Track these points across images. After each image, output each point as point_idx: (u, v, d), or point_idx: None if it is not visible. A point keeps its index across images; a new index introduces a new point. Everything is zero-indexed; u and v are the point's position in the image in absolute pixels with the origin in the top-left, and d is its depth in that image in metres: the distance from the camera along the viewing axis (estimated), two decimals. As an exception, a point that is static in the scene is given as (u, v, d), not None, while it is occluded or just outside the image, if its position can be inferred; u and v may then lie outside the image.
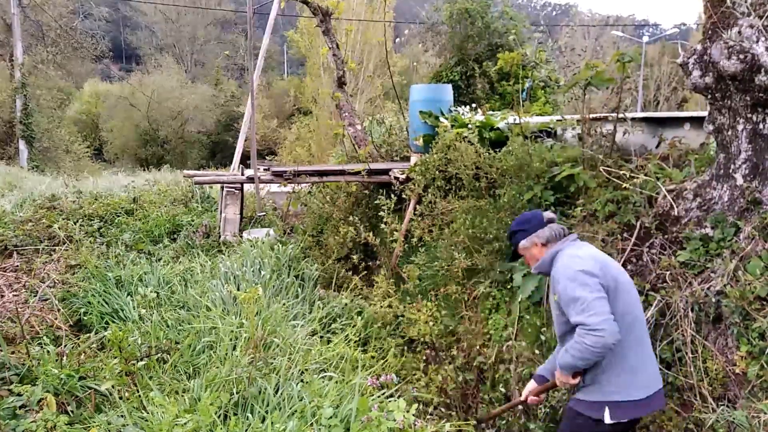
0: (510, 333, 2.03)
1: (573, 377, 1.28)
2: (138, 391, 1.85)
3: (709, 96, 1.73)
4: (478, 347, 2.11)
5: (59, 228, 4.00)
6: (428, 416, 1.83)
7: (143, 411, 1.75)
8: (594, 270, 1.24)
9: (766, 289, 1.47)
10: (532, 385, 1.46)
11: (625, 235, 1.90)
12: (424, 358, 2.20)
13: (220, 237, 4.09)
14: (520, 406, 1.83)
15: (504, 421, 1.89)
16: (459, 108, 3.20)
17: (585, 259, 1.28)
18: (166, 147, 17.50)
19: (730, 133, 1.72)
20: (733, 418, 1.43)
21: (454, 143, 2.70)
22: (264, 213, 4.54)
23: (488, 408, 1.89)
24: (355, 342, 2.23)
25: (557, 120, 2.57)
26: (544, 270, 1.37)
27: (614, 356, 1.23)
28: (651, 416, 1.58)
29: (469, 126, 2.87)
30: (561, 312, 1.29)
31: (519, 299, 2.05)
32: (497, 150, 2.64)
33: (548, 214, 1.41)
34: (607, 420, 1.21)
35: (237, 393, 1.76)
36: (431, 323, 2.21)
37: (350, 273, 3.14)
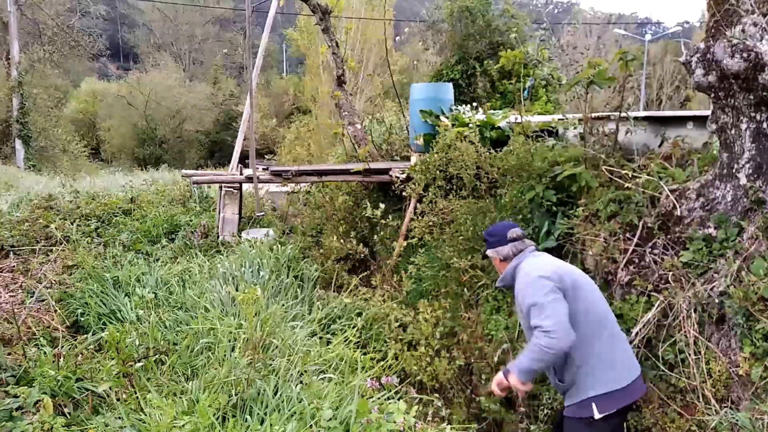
0: (511, 334, 2.02)
1: (525, 383, 1.31)
2: (135, 393, 1.84)
3: (713, 95, 1.71)
4: (479, 348, 2.10)
5: (56, 228, 3.98)
6: (429, 418, 1.82)
7: (141, 413, 1.74)
8: (549, 274, 1.32)
9: (769, 290, 1.47)
10: (500, 376, 1.46)
11: (627, 235, 1.89)
12: (427, 359, 2.18)
13: (218, 237, 4.07)
14: (521, 407, 1.83)
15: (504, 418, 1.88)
16: (460, 107, 3.18)
17: (541, 265, 1.38)
18: (164, 146, 17.44)
19: (733, 132, 1.70)
20: (737, 420, 1.43)
21: (455, 142, 2.69)
22: (263, 213, 4.51)
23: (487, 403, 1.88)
24: (354, 343, 2.22)
25: (559, 119, 2.56)
26: (507, 284, 1.47)
27: (587, 354, 1.29)
28: (654, 418, 1.57)
29: (470, 125, 2.85)
30: (525, 319, 1.35)
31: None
32: (498, 149, 2.63)
33: (514, 232, 1.49)
34: (597, 415, 1.25)
35: (235, 395, 1.75)
36: (432, 325, 2.19)
37: (350, 273, 3.12)
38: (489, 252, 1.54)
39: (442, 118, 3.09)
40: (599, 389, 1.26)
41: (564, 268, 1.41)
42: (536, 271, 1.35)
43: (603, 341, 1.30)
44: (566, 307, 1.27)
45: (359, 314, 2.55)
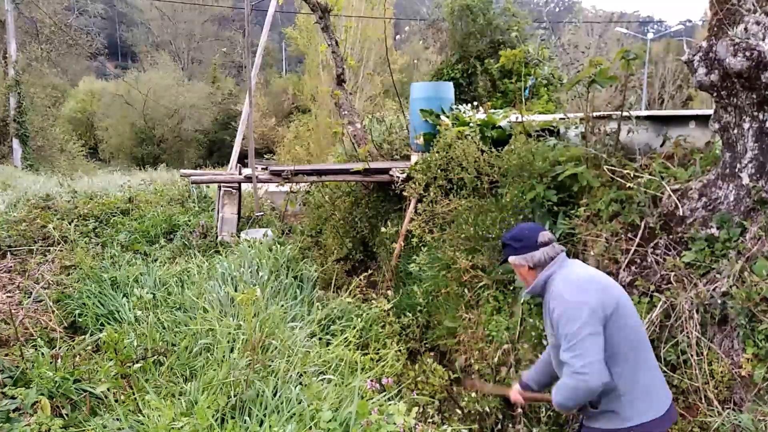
0: (512, 335, 2.01)
1: (569, 411, 1.27)
2: (134, 394, 1.83)
3: (715, 94, 1.71)
4: (479, 349, 2.09)
5: (54, 228, 3.96)
6: (429, 419, 1.81)
7: (139, 414, 1.73)
8: (588, 299, 1.17)
9: (772, 291, 1.46)
10: (517, 388, 1.44)
11: (629, 235, 1.88)
12: (428, 361, 2.17)
13: (217, 237, 4.05)
14: (519, 409, 1.82)
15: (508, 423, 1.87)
16: (460, 106, 3.16)
17: (579, 285, 1.21)
18: (162, 146, 17.39)
19: (736, 131, 1.70)
20: (739, 422, 1.42)
21: (456, 142, 2.67)
22: (262, 213, 4.50)
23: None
24: (354, 344, 2.21)
25: (560, 118, 2.55)
26: (537, 293, 1.32)
27: (631, 382, 1.19)
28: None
29: (471, 124, 2.83)
30: (555, 338, 1.23)
31: (521, 301, 2.02)
32: (499, 149, 2.62)
33: (545, 236, 1.31)
34: None
35: (234, 396, 1.74)
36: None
37: (349, 274, 3.11)
38: (513, 259, 1.32)
39: (442, 117, 3.08)
40: (638, 419, 1.17)
41: (604, 285, 1.23)
42: (573, 293, 1.18)
43: (645, 368, 1.21)
44: (601, 342, 1.13)
45: (359, 315, 2.53)
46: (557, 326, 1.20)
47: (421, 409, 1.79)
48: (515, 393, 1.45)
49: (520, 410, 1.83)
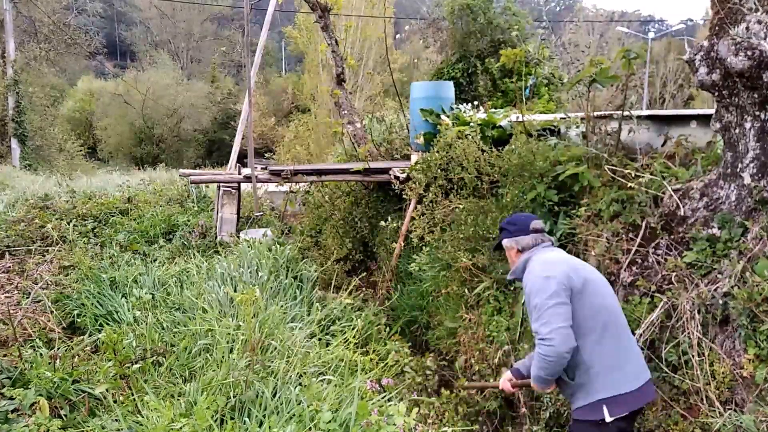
0: (512, 335, 2.00)
1: (548, 387, 1.32)
2: (133, 395, 1.83)
3: (716, 93, 1.70)
4: (480, 349, 2.08)
5: (52, 228, 3.95)
6: (429, 421, 1.80)
7: (138, 415, 1.72)
8: (556, 274, 1.26)
9: (774, 291, 1.45)
10: (508, 375, 1.49)
11: (630, 235, 1.87)
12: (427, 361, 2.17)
13: (216, 237, 4.04)
14: (523, 408, 1.81)
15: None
16: (461, 105, 3.15)
17: (550, 263, 1.31)
18: (161, 145, 17.35)
19: (737, 131, 1.69)
20: (741, 423, 1.42)
21: (456, 141, 2.66)
22: (261, 213, 4.49)
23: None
24: (354, 345, 2.20)
25: (561, 118, 2.54)
26: (518, 276, 1.41)
27: (598, 354, 1.25)
28: (657, 420, 1.56)
29: (471, 124, 2.83)
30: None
31: (522, 301, 2.01)
32: (500, 148, 2.61)
33: (537, 223, 1.42)
34: (608, 418, 1.22)
35: (234, 397, 1.73)
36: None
37: (349, 274, 3.10)
38: (506, 242, 1.44)
39: (442, 116, 3.07)
40: (610, 391, 1.22)
41: (574, 264, 1.33)
42: (543, 269, 1.29)
43: (615, 341, 1.26)
44: (568, 311, 1.21)
45: (359, 316, 2.53)
46: (528, 300, 1.30)
47: (421, 410, 1.78)
48: (504, 381, 1.50)
49: (523, 410, 1.83)
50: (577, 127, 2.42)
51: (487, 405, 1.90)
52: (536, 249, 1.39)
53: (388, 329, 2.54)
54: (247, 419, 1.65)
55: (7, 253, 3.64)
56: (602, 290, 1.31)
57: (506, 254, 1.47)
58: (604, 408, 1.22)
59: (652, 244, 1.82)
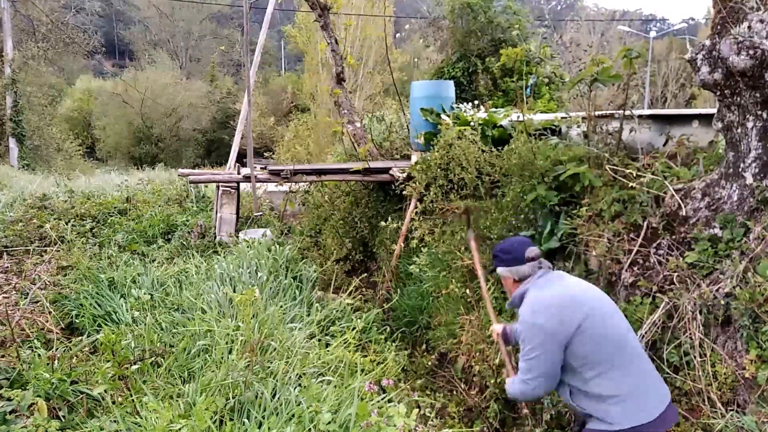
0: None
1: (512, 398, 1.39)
2: (131, 396, 1.81)
3: (718, 92, 1.69)
4: (480, 350, 2.07)
5: (50, 228, 3.93)
6: (429, 422, 1.79)
7: (136, 416, 1.71)
8: (544, 321, 1.24)
9: (776, 291, 1.45)
10: (500, 328, 1.55)
11: (631, 235, 1.86)
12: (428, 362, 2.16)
13: (215, 237, 4.03)
14: (524, 410, 1.81)
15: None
16: (461, 105, 3.14)
17: (543, 304, 1.28)
18: (160, 145, 17.29)
19: (739, 130, 1.68)
20: (743, 424, 1.41)
21: (456, 141, 2.65)
22: (261, 213, 4.47)
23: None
24: (354, 345, 2.19)
25: (562, 117, 2.53)
26: (515, 306, 1.39)
27: (605, 388, 1.22)
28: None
29: (472, 123, 2.81)
30: None
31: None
32: (500, 148, 2.60)
33: (531, 251, 1.37)
34: None
35: (233, 398, 1.73)
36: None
37: (349, 275, 3.09)
38: (501, 270, 1.41)
39: (443, 116, 3.06)
40: (629, 422, 1.18)
41: (571, 300, 1.27)
42: (533, 313, 1.27)
43: (625, 371, 1.22)
44: (554, 359, 1.23)
45: (359, 316, 2.52)
46: (518, 336, 1.33)
47: (421, 411, 1.78)
48: (494, 330, 1.55)
49: (525, 411, 1.82)
50: (578, 126, 2.41)
51: (489, 405, 1.89)
52: (533, 279, 1.35)
53: (388, 330, 2.53)
54: (246, 420, 1.64)
55: (5, 253, 3.62)
56: (604, 321, 1.25)
57: (501, 281, 1.45)
58: None
59: (654, 245, 1.81)
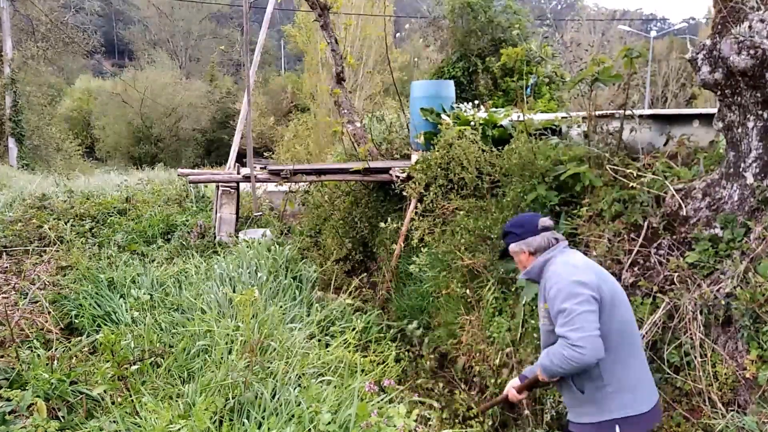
0: (513, 336, 1.99)
1: (554, 378, 1.26)
2: (131, 396, 1.81)
3: (719, 92, 1.69)
4: (480, 350, 2.07)
5: (50, 228, 3.93)
6: (430, 422, 1.79)
7: (136, 416, 1.71)
8: (588, 280, 1.19)
9: (777, 292, 1.44)
10: (515, 382, 1.44)
11: (632, 235, 1.86)
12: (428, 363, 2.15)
13: (215, 237, 4.03)
14: (525, 411, 1.80)
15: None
16: (461, 105, 3.14)
17: (580, 268, 1.23)
18: (159, 145, 17.29)
19: (740, 130, 1.68)
20: (744, 424, 1.41)
21: (456, 141, 2.65)
22: (261, 213, 4.47)
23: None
24: (354, 346, 2.19)
25: (562, 117, 2.53)
26: (533, 277, 1.33)
27: (617, 372, 1.19)
28: (659, 423, 1.54)
29: (472, 123, 2.81)
30: (549, 321, 1.24)
31: (523, 302, 2.00)
32: (500, 148, 2.60)
33: (545, 221, 1.34)
34: None
35: (233, 398, 1.72)
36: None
37: (349, 275, 3.08)
38: (514, 246, 1.33)
39: (443, 116, 3.06)
40: (625, 411, 1.18)
41: (602, 275, 1.23)
42: (573, 273, 1.19)
43: (634, 361, 1.21)
44: (597, 320, 1.14)
45: (359, 316, 2.51)
46: (553, 303, 1.20)
47: (421, 412, 1.77)
48: (511, 390, 1.45)
49: (526, 412, 1.82)
50: (579, 126, 2.41)
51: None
52: (556, 249, 1.29)
53: (387, 330, 2.53)
54: (246, 420, 1.64)
55: (4, 253, 3.61)
56: (626, 305, 1.24)
57: (515, 259, 1.37)
58: (617, 428, 1.18)
59: (654, 245, 1.81)
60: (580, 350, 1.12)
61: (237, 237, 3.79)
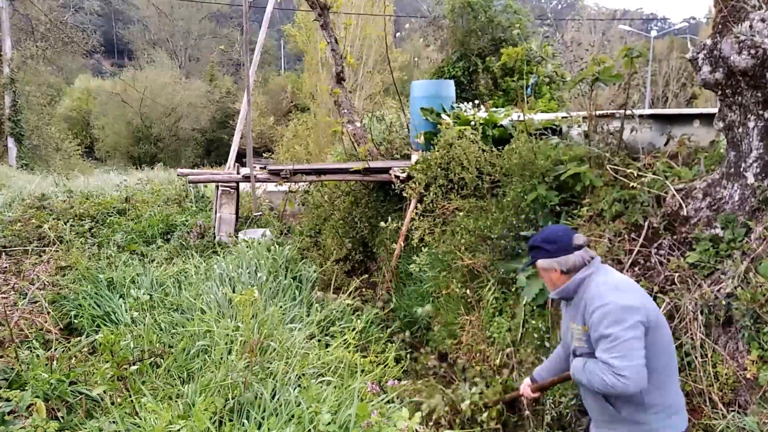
0: (513, 336, 1.99)
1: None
2: (130, 397, 1.81)
3: (720, 92, 1.68)
4: (480, 350, 2.07)
5: (49, 228, 3.93)
6: (430, 423, 1.79)
7: (135, 417, 1.71)
8: (637, 304, 1.12)
9: (778, 292, 1.44)
10: (527, 382, 1.45)
11: (632, 235, 1.86)
12: (427, 363, 2.15)
13: (215, 237, 4.02)
14: (526, 411, 1.80)
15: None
16: (461, 104, 3.13)
17: (626, 291, 1.15)
18: (159, 145, 17.28)
19: (740, 130, 1.68)
20: (744, 425, 1.41)
21: (457, 141, 2.64)
22: (260, 213, 4.46)
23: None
24: (354, 346, 2.18)
25: (563, 117, 2.52)
26: (567, 296, 1.25)
27: (655, 397, 1.15)
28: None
29: (472, 123, 2.81)
30: (589, 345, 1.17)
31: (523, 302, 2.00)
32: (501, 148, 2.59)
33: (579, 238, 1.23)
34: None
35: (232, 398, 1.72)
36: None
37: (349, 275, 3.08)
38: (546, 262, 1.24)
39: (443, 115, 3.05)
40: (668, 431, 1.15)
41: (645, 295, 1.18)
42: (622, 295, 1.12)
43: (673, 380, 1.19)
44: (643, 348, 1.08)
45: (359, 316, 2.51)
46: (597, 327, 1.13)
47: (423, 413, 1.77)
48: (525, 388, 1.42)
49: (527, 412, 1.81)
50: (579, 126, 2.41)
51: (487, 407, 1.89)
52: (593, 267, 1.21)
53: (388, 330, 2.52)
54: (245, 421, 1.63)
55: (3, 253, 3.60)
56: (665, 325, 1.18)
57: (542, 275, 1.29)
58: None
59: (655, 245, 1.81)
60: (624, 380, 1.07)
61: (237, 237, 3.78)
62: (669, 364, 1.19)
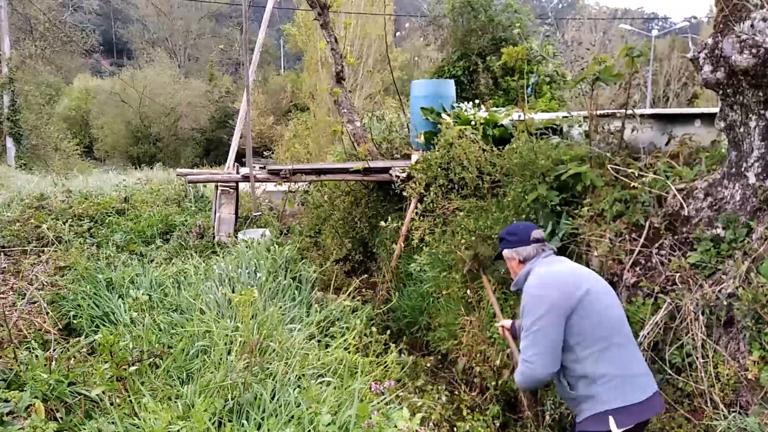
0: (514, 336, 1.98)
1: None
2: (129, 397, 1.80)
3: (721, 92, 1.68)
4: (481, 351, 2.06)
5: (48, 228, 3.91)
6: (431, 423, 1.78)
7: (135, 417, 1.70)
8: (549, 292, 1.26)
9: (779, 292, 1.44)
10: (508, 323, 1.60)
11: (633, 235, 1.86)
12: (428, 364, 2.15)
13: (214, 237, 4.01)
14: (527, 412, 1.80)
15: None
16: (462, 104, 3.13)
17: (546, 277, 1.30)
18: (158, 144, 17.25)
19: (742, 130, 1.67)
20: (745, 425, 1.41)
21: (457, 140, 2.64)
22: (260, 213, 4.45)
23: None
24: (354, 346, 2.18)
25: (563, 117, 2.52)
26: (520, 287, 1.40)
27: (600, 367, 1.24)
28: (660, 423, 1.55)
29: (473, 122, 2.80)
30: None
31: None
32: (501, 147, 2.59)
33: (537, 233, 1.42)
34: (615, 429, 1.20)
35: (232, 399, 1.71)
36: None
37: (349, 275, 3.07)
38: (507, 252, 1.45)
39: (443, 115, 3.05)
40: (617, 402, 1.21)
41: (573, 275, 1.31)
42: (537, 286, 1.29)
43: (620, 351, 1.25)
44: (555, 333, 1.21)
45: (359, 317, 2.50)
46: (522, 317, 1.30)
47: (423, 414, 1.77)
48: (502, 325, 1.61)
49: (527, 413, 1.82)
50: (580, 125, 2.40)
51: (490, 406, 1.89)
52: (537, 259, 1.39)
53: (388, 331, 2.52)
54: (245, 422, 1.63)
55: (2, 253, 3.59)
56: (605, 300, 1.29)
57: (508, 264, 1.48)
58: (611, 419, 1.20)
59: (656, 245, 1.80)
60: (529, 365, 1.23)
61: (236, 237, 3.77)
62: (611, 335, 1.26)
